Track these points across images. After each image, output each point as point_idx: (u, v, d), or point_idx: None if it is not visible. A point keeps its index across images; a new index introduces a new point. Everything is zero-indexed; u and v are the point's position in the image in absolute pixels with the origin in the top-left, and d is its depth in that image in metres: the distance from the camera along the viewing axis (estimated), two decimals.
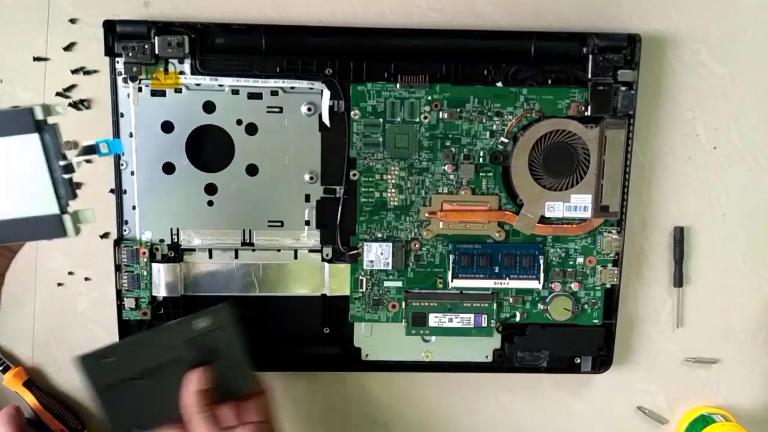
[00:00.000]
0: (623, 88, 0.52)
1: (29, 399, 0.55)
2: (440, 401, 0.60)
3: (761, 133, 0.56)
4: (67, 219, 0.40)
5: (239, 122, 0.52)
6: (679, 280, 0.57)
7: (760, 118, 0.56)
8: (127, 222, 0.53)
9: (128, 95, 0.51)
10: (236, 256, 0.54)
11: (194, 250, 0.54)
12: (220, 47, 0.51)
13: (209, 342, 0.48)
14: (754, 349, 0.59)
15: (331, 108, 0.52)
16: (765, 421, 0.60)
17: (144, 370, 0.47)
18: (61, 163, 0.40)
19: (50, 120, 0.40)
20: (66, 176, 0.40)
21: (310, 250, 0.54)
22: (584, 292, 0.56)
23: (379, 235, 0.54)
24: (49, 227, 0.40)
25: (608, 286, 0.56)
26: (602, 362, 0.57)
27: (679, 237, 0.57)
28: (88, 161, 0.42)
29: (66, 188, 0.40)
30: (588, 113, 0.53)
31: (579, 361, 0.57)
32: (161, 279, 0.53)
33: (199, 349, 0.48)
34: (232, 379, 0.48)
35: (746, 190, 0.57)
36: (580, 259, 0.55)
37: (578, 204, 0.54)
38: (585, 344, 0.56)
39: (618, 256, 0.55)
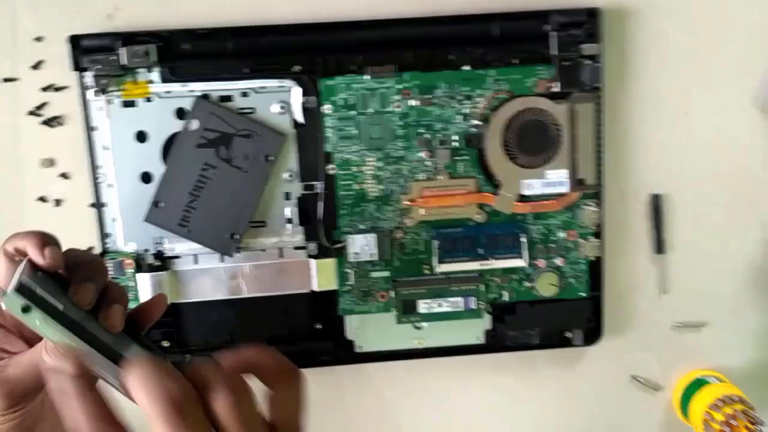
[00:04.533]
0: (588, 62, 0.53)
1: None
2: (436, 386, 0.60)
3: (729, 95, 0.57)
4: None
5: None
6: (660, 247, 0.58)
7: (726, 79, 0.56)
8: (109, 235, 0.53)
9: (100, 108, 0.52)
10: (222, 260, 0.54)
11: (179, 257, 0.54)
12: (187, 53, 0.52)
13: None
14: (741, 308, 0.60)
15: (302, 104, 0.53)
16: (757, 379, 0.61)
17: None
18: None
19: None
20: None
21: (295, 248, 0.55)
22: (569, 266, 0.56)
23: (362, 227, 0.55)
24: None
25: (592, 258, 0.56)
26: (593, 334, 0.57)
27: (657, 204, 0.57)
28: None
29: None
30: (556, 89, 0.53)
31: (570, 335, 0.58)
32: (148, 289, 0.53)
33: None
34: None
35: (718, 152, 0.57)
36: (561, 234, 0.56)
37: (555, 180, 0.54)
38: (574, 318, 0.57)
39: (599, 228, 0.56)
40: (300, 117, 0.53)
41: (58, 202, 0.54)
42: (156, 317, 0.38)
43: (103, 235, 0.53)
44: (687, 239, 0.59)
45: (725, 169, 0.58)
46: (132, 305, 0.52)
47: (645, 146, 0.57)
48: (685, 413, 0.59)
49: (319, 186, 0.54)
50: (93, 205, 0.53)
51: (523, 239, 0.55)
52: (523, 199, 0.55)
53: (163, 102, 0.52)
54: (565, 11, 0.53)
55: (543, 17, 0.53)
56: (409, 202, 0.55)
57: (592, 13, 0.53)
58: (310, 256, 0.55)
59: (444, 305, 0.56)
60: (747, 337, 0.61)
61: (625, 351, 0.60)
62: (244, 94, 0.52)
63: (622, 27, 0.55)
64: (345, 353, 0.57)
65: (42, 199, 0.54)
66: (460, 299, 0.56)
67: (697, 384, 0.59)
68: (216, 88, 0.52)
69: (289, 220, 0.54)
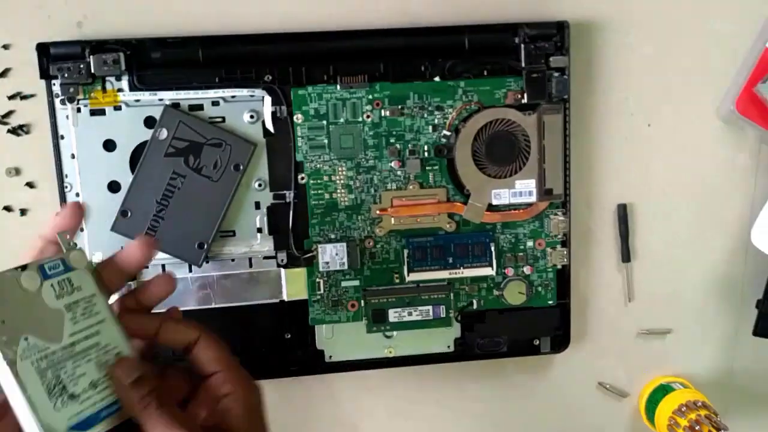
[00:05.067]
0: (556, 74, 0.54)
1: None
2: (407, 395, 0.60)
3: (692, 107, 0.58)
4: None
5: None
6: (626, 256, 0.59)
7: (689, 92, 0.58)
8: (76, 244, 0.52)
9: (67, 117, 0.51)
10: (190, 270, 0.54)
11: (147, 266, 0.53)
12: (156, 62, 0.51)
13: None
14: (704, 316, 0.61)
15: (273, 114, 0.53)
16: (721, 385, 0.62)
17: None
18: None
19: None
20: None
21: (265, 257, 0.55)
22: (537, 274, 0.57)
23: (333, 236, 0.55)
24: None
25: (559, 266, 0.57)
26: (560, 342, 0.58)
27: (623, 214, 0.58)
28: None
29: None
30: (525, 101, 0.54)
31: (538, 342, 0.58)
32: (115, 298, 0.52)
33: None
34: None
35: (682, 163, 0.59)
36: (529, 243, 0.56)
37: (523, 189, 0.55)
38: (542, 326, 0.58)
39: (566, 236, 0.57)
40: (271, 126, 0.53)
41: (23, 212, 0.54)
42: (157, 300, 0.42)
43: None
44: (652, 248, 0.60)
45: (689, 179, 0.59)
46: None
47: (611, 157, 0.58)
48: (650, 419, 0.60)
49: (289, 195, 0.54)
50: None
51: (492, 248, 0.56)
52: (492, 208, 0.55)
53: (132, 111, 0.51)
54: (534, 24, 0.53)
55: (512, 30, 0.54)
56: (379, 212, 0.55)
57: (561, 27, 0.54)
58: (280, 266, 0.55)
59: (414, 314, 0.56)
60: (711, 343, 0.62)
61: (592, 358, 0.61)
62: (215, 103, 0.52)
63: (589, 40, 0.56)
64: (315, 363, 0.57)
65: (7, 208, 0.53)
66: (429, 308, 0.56)
67: (662, 390, 0.60)
68: (186, 97, 0.52)
69: (259, 230, 0.54)
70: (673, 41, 0.57)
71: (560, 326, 0.58)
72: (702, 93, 0.58)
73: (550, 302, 0.57)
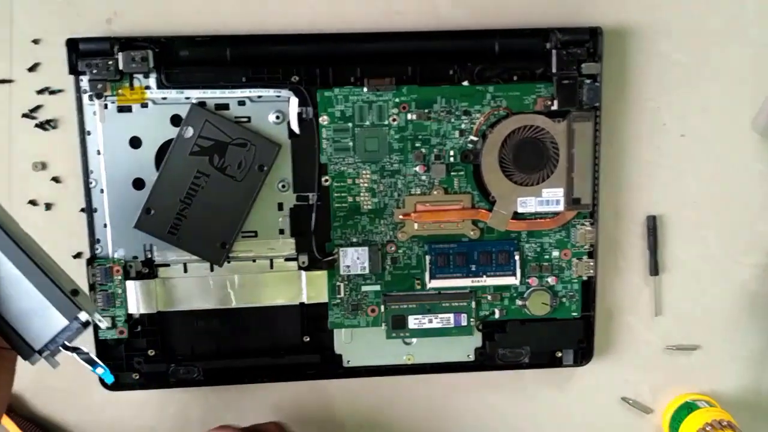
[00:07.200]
0: (588, 81, 0.53)
1: (9, 425, 0.55)
2: (425, 403, 0.59)
3: (727, 119, 0.57)
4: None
5: None
6: (654, 269, 0.58)
7: (724, 103, 0.56)
8: (99, 240, 0.52)
9: (94, 113, 0.51)
10: (211, 269, 0.54)
11: (168, 264, 0.53)
12: (184, 60, 0.51)
13: None
14: (733, 333, 0.60)
15: (299, 115, 0.52)
16: (748, 405, 0.61)
17: None
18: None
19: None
20: None
21: (286, 259, 0.54)
22: (561, 285, 0.56)
23: (355, 240, 0.54)
24: None
25: (585, 278, 0.56)
26: (583, 355, 0.57)
27: (653, 226, 0.57)
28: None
29: None
30: (554, 107, 0.53)
31: (560, 354, 0.57)
32: (136, 296, 0.53)
33: None
34: None
35: (715, 175, 0.57)
36: (555, 253, 0.55)
37: (550, 198, 0.54)
38: (565, 337, 0.56)
39: (593, 247, 0.55)
40: (296, 127, 0.53)
41: (48, 206, 0.54)
42: None
43: (93, 241, 0.52)
44: (682, 262, 0.58)
45: (722, 192, 0.58)
46: (118, 312, 0.52)
47: (641, 167, 0.57)
48: None
49: (312, 197, 0.54)
50: (84, 210, 0.52)
51: (517, 257, 0.55)
52: (518, 216, 0.54)
53: (159, 108, 0.51)
54: (566, 30, 0.52)
55: (544, 35, 0.53)
56: (402, 216, 0.54)
57: (594, 33, 0.53)
58: (301, 268, 0.54)
59: (434, 321, 0.55)
60: (739, 362, 0.60)
61: (616, 372, 0.60)
62: (241, 103, 0.52)
63: (622, 47, 0.55)
64: (333, 367, 0.56)
65: (32, 202, 0.54)
66: (450, 315, 0.55)
67: (687, 408, 0.59)
68: (213, 95, 0.52)
69: (281, 231, 0.54)
70: (708, 50, 0.56)
71: (584, 339, 0.57)
72: (737, 104, 0.56)
73: (575, 314, 0.56)
